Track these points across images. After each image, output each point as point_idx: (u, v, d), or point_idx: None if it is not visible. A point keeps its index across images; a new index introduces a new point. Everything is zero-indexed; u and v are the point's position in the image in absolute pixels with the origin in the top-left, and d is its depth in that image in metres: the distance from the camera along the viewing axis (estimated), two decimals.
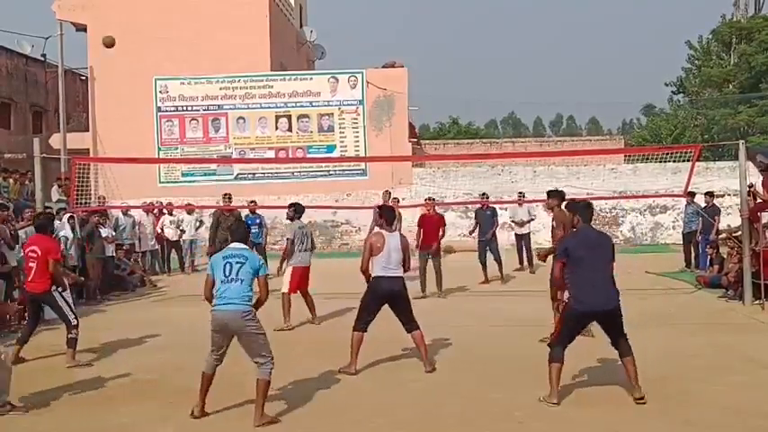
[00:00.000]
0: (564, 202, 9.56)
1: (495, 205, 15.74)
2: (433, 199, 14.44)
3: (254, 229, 15.05)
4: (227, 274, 6.19)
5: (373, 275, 7.71)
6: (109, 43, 12.38)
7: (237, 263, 6.23)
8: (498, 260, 14.80)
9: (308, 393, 6.98)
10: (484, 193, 16.32)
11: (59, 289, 8.44)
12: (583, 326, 6.68)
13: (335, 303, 12.06)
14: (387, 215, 7.95)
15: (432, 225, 13.20)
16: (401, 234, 8.05)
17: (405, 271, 7.80)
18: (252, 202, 16.63)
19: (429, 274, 12.97)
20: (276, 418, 6.20)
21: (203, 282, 6.48)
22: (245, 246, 6.49)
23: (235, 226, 6.68)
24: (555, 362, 6.46)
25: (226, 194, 16.08)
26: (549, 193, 9.61)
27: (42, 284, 8.36)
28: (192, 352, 8.60)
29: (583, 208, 6.83)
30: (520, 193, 17.29)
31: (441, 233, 13.19)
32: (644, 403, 6.32)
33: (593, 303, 6.36)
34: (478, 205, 15.79)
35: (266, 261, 16.86)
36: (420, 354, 7.81)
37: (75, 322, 8.40)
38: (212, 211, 18.56)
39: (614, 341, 6.56)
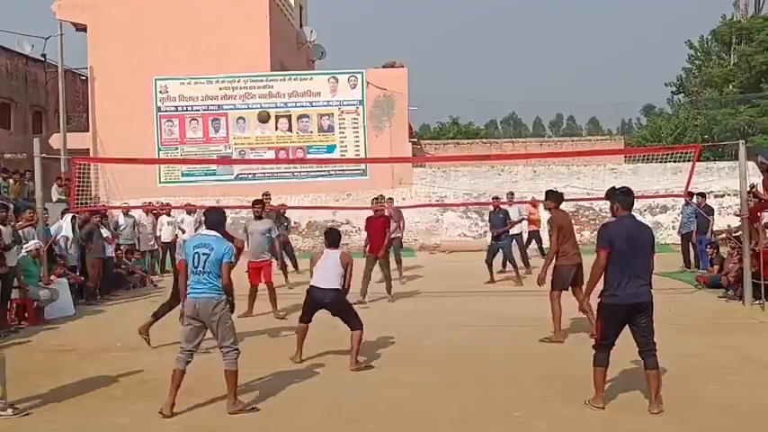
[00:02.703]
0: (562, 204, 9.53)
1: (507, 207, 15.51)
2: (380, 199, 14.22)
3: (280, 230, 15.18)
4: (196, 265, 6.42)
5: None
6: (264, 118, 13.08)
7: (204, 254, 6.39)
8: (512, 261, 14.73)
9: (305, 392, 6.99)
10: (496, 196, 16.12)
11: None
12: (620, 322, 6.24)
13: None
14: (327, 237, 8.34)
15: (376, 228, 12.74)
16: (343, 252, 8.25)
17: (343, 287, 8.05)
18: (281, 204, 16.59)
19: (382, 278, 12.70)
20: (252, 405, 6.44)
21: None
22: (215, 233, 6.63)
23: (206, 212, 6.88)
24: (598, 365, 6.30)
25: (265, 194, 15.74)
26: (547, 194, 9.57)
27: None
28: None
29: (623, 195, 6.46)
30: (509, 193, 17.09)
31: (387, 235, 12.72)
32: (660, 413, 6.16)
33: (625, 296, 6.13)
34: (491, 207, 15.52)
35: (294, 257, 16.63)
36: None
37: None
38: None
39: (641, 349, 6.28)
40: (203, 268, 6.38)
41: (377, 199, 14.18)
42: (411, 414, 6.36)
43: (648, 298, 6.24)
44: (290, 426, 6.16)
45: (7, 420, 6.34)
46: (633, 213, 6.50)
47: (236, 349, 6.45)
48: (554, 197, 9.40)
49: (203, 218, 6.92)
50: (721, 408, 6.34)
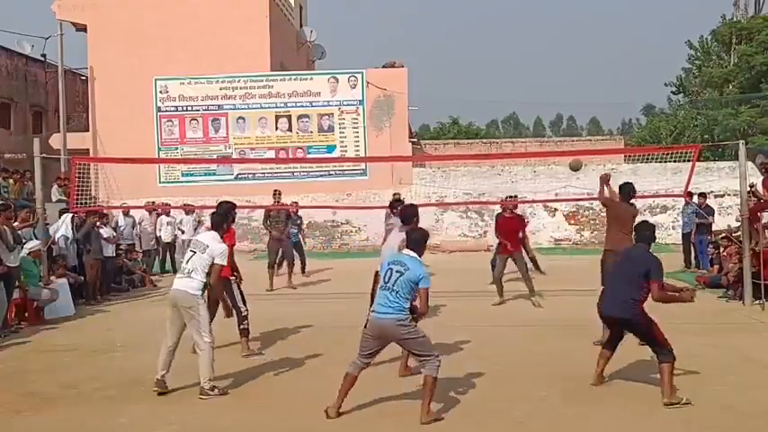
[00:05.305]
0: (630, 198, 9.65)
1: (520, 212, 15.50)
2: (515, 197, 14.00)
3: (293, 229, 15.17)
4: (387, 280, 6.16)
5: None
6: (576, 167, 12.53)
7: (397, 272, 6.12)
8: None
9: (306, 392, 6.98)
10: (514, 198, 16.05)
11: (237, 280, 8.65)
12: (607, 324, 7.20)
13: (337, 303, 12.09)
14: (402, 214, 7.62)
15: (507, 227, 12.35)
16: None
17: None
18: (294, 202, 16.55)
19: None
20: (440, 415, 6.22)
21: None
22: (414, 253, 6.25)
23: (409, 233, 6.50)
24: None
25: (276, 191, 15.76)
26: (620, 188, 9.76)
27: (224, 270, 8.43)
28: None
29: (642, 229, 7.15)
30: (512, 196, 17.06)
31: (521, 236, 12.41)
32: (671, 406, 6.31)
33: (601, 306, 6.94)
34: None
35: (304, 259, 16.62)
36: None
37: (246, 313, 8.54)
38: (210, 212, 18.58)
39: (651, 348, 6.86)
40: (393, 286, 6.09)
41: (510, 196, 13.96)
42: (411, 413, 6.34)
43: (623, 315, 6.68)
44: (290, 426, 6.16)
45: (10, 419, 6.35)
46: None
47: (437, 356, 6.19)
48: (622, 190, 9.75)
49: (411, 239, 6.38)
50: (721, 408, 6.34)
